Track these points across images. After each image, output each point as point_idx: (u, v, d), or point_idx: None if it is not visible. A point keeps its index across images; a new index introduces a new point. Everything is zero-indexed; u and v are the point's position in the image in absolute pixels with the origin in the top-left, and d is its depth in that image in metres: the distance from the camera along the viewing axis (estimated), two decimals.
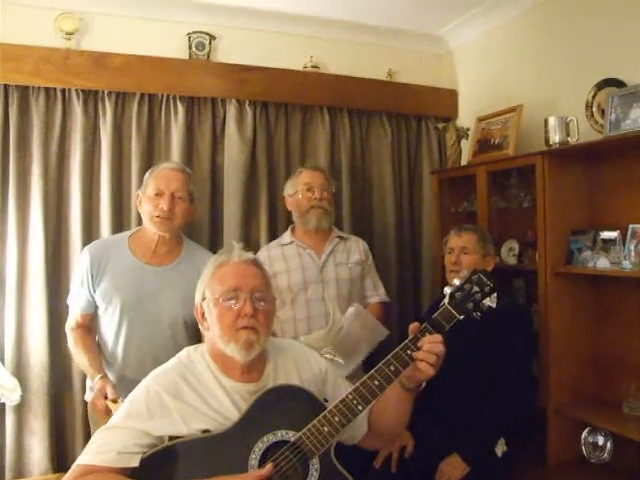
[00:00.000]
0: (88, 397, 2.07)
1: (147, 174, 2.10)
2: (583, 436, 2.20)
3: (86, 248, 2.09)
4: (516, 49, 2.81)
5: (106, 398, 1.81)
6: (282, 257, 2.33)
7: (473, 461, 1.96)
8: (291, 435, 1.31)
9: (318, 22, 2.91)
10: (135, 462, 1.24)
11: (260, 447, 1.29)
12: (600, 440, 2.17)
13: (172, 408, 1.32)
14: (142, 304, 1.99)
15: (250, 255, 1.47)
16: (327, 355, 2.09)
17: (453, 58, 3.25)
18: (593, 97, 2.26)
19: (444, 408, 2.10)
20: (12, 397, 2.10)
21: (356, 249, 2.41)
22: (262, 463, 1.27)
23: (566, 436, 2.24)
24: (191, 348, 1.49)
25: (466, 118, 3.08)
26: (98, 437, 1.30)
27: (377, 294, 2.45)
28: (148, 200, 2.01)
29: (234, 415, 1.34)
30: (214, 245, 2.64)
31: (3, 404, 2.28)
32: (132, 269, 2.01)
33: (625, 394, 2.12)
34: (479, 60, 3.07)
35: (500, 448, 2.01)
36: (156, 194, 2.00)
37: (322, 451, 1.31)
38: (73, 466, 1.26)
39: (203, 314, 1.44)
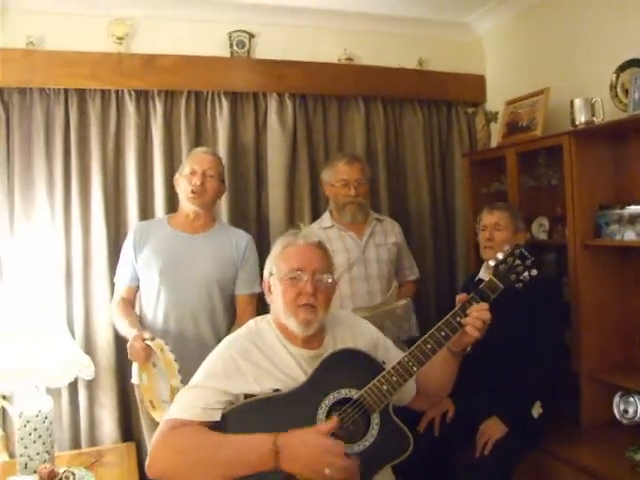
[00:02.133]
0: (135, 380, 2.27)
1: (184, 159, 2.40)
2: (615, 399, 2.31)
3: (131, 229, 2.38)
4: (542, 34, 2.90)
5: (144, 340, 1.97)
6: (326, 240, 2.49)
7: (511, 422, 2.11)
8: (354, 393, 1.47)
9: (350, 16, 3.03)
10: (217, 417, 1.42)
11: (326, 404, 1.45)
12: (631, 402, 2.26)
13: (245, 370, 1.49)
14: (179, 267, 2.21)
15: (314, 238, 1.63)
16: None
17: (481, 44, 3.35)
18: (617, 78, 2.35)
19: (483, 375, 2.23)
20: (87, 373, 2.30)
21: (392, 231, 2.60)
22: (328, 418, 1.43)
23: (599, 399, 2.36)
24: (258, 318, 1.67)
25: (495, 102, 3.19)
26: (183, 396, 1.49)
27: (413, 273, 2.68)
28: (184, 179, 2.28)
29: (300, 376, 1.51)
30: (261, 232, 2.82)
31: (76, 382, 2.51)
32: (170, 237, 2.27)
33: None
34: (506, 45, 3.18)
35: (536, 410, 2.15)
36: (190, 173, 2.26)
37: (382, 407, 1.47)
38: (162, 421, 1.45)
39: (270, 288, 1.62)
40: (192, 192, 2.24)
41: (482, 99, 3.31)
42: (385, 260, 2.52)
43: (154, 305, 2.24)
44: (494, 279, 1.57)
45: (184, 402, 1.46)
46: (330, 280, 1.58)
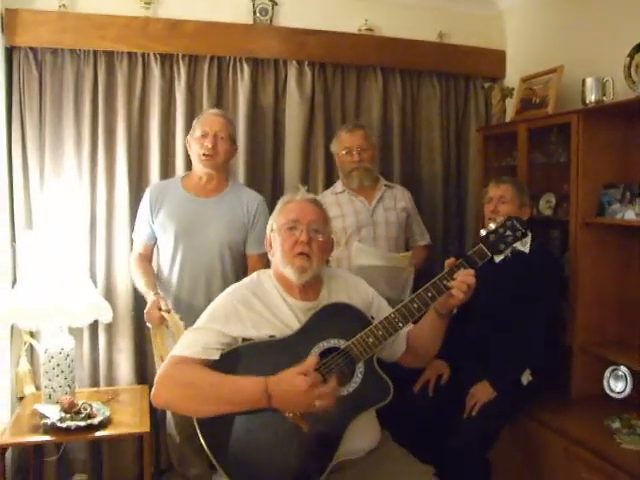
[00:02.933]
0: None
1: (194, 121, 2.46)
2: (606, 374, 2.36)
3: (147, 189, 2.49)
4: (560, 12, 2.91)
5: (160, 310, 2.16)
6: (336, 203, 2.62)
7: (500, 387, 2.21)
8: (342, 343, 1.61)
9: None
10: (216, 356, 1.57)
11: (316, 351, 1.59)
12: (621, 377, 2.30)
13: (245, 316, 1.63)
14: (193, 230, 2.35)
15: (311, 196, 1.77)
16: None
17: (502, 19, 3.35)
18: (631, 58, 2.38)
19: (478, 341, 2.35)
20: (106, 316, 2.49)
21: (402, 197, 2.70)
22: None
23: (589, 373, 2.42)
24: (260, 271, 1.82)
25: (513, 78, 3.20)
26: (187, 336, 1.64)
27: (424, 239, 2.80)
28: (195, 141, 2.37)
29: (295, 325, 1.64)
30: (275, 195, 2.89)
31: (96, 325, 2.69)
32: (184, 201, 2.38)
33: None
34: (526, 22, 3.19)
35: (525, 377, 2.24)
36: (202, 135, 2.35)
37: (366, 357, 1.60)
38: (168, 357, 1.61)
39: (271, 243, 1.75)
40: (204, 155, 2.33)
41: (501, 74, 3.33)
42: (393, 222, 2.64)
43: (170, 263, 2.40)
44: (483, 247, 1.66)
45: (187, 341, 1.61)
46: (322, 237, 1.70)
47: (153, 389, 1.56)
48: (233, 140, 2.46)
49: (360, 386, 1.59)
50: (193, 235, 2.35)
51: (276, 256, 1.72)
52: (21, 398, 2.62)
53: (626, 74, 2.40)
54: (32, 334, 2.65)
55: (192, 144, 2.41)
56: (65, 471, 2.74)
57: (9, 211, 2.63)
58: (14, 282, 2.62)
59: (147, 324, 2.37)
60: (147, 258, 2.46)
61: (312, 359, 1.50)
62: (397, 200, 2.69)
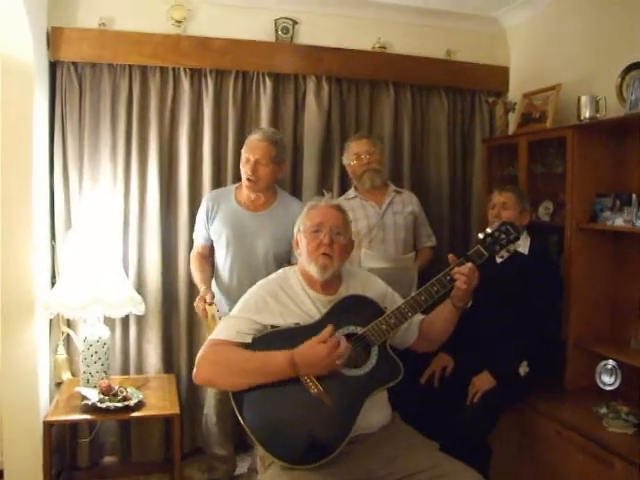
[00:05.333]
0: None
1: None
2: (598, 368, 2.52)
3: (205, 197, 2.75)
4: (559, 33, 3.13)
5: (206, 302, 2.42)
6: (350, 209, 2.81)
7: (499, 377, 2.41)
8: (359, 330, 1.83)
9: (386, 7, 3.29)
10: (248, 339, 1.80)
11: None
12: (611, 371, 2.48)
13: (272, 306, 1.86)
14: (242, 240, 2.59)
15: (335, 202, 2.01)
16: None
17: (506, 38, 3.57)
18: (622, 78, 2.59)
19: (482, 336, 2.54)
20: (140, 309, 2.73)
21: (410, 201, 2.93)
22: None
23: (582, 366, 2.61)
24: (287, 268, 2.05)
25: (515, 93, 3.42)
26: (223, 323, 1.88)
27: (430, 240, 3.01)
28: (242, 165, 2.59)
29: (316, 315, 1.87)
30: None
31: (127, 318, 2.92)
32: (236, 213, 2.61)
33: (634, 332, 2.51)
34: (528, 41, 3.41)
35: (523, 369, 2.43)
36: (245, 161, 2.55)
37: (380, 342, 1.83)
38: (207, 340, 1.84)
39: (297, 243, 1.97)
40: (247, 179, 2.55)
41: (505, 89, 3.55)
42: (401, 225, 2.86)
43: (223, 264, 2.66)
44: (480, 248, 1.89)
45: (223, 327, 1.85)
46: (343, 239, 1.92)
47: (195, 368, 1.79)
48: (278, 161, 2.58)
49: (375, 367, 1.81)
50: (242, 244, 2.60)
51: (302, 255, 1.94)
52: (59, 384, 2.85)
53: (618, 93, 2.61)
54: (69, 324, 2.89)
55: (241, 166, 2.60)
56: (97, 452, 2.97)
57: (49, 213, 2.88)
58: (52, 277, 2.86)
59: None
60: (204, 257, 2.72)
61: (328, 329, 1.72)
62: (405, 204, 2.91)
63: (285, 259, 2.64)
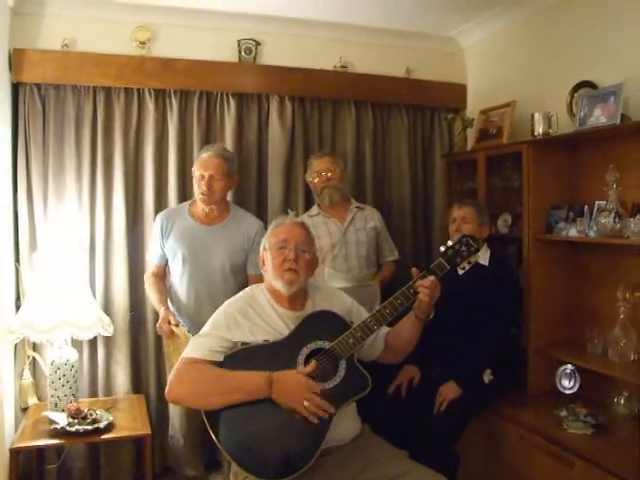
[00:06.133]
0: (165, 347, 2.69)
1: (195, 152, 2.78)
2: (558, 372, 2.63)
3: (158, 215, 2.76)
4: (513, 52, 3.28)
5: (169, 324, 2.45)
6: (312, 226, 2.86)
7: (464, 386, 2.48)
8: (326, 344, 1.87)
9: (346, 28, 3.39)
10: (220, 358, 1.83)
11: (305, 351, 1.86)
12: (570, 375, 2.56)
13: (242, 324, 1.90)
14: (198, 254, 2.62)
15: (299, 220, 2.07)
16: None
17: (463, 57, 3.72)
18: (572, 96, 2.73)
19: (445, 347, 2.62)
20: (108, 330, 2.72)
21: (372, 217, 3.00)
22: (307, 362, 1.83)
23: (543, 372, 2.71)
24: (253, 286, 2.09)
25: (473, 109, 3.54)
26: (195, 341, 1.90)
27: (392, 255, 3.08)
28: (195, 180, 2.64)
29: (285, 331, 1.91)
30: (260, 215, 3.13)
31: (95, 340, 2.90)
32: (190, 228, 2.65)
33: (589, 337, 2.61)
34: (484, 59, 3.55)
35: (487, 377, 2.52)
36: (199, 177, 2.60)
37: (347, 355, 1.87)
38: (180, 359, 1.86)
39: (264, 261, 2.02)
40: (201, 194, 2.60)
41: (463, 106, 3.68)
42: (364, 242, 2.93)
43: (179, 282, 2.67)
44: (442, 261, 1.97)
45: (195, 345, 1.88)
46: (308, 255, 1.97)
47: (167, 386, 1.81)
48: (229, 175, 2.66)
49: (343, 380, 1.85)
50: (199, 259, 2.63)
51: (268, 271, 1.98)
52: (25, 409, 2.80)
53: (568, 110, 2.75)
54: (34, 348, 2.85)
55: (194, 182, 2.66)
56: (65, 478, 2.91)
57: (13, 234, 2.85)
58: (17, 299, 2.82)
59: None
60: (159, 277, 2.73)
61: (311, 365, 1.79)
62: (367, 220, 2.99)
63: (242, 270, 2.70)
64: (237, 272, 2.68)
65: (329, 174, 2.89)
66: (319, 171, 2.91)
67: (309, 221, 2.91)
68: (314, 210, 3.01)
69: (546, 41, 3.03)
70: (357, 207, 3.01)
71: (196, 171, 2.64)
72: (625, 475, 1.95)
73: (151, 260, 2.75)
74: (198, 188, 2.61)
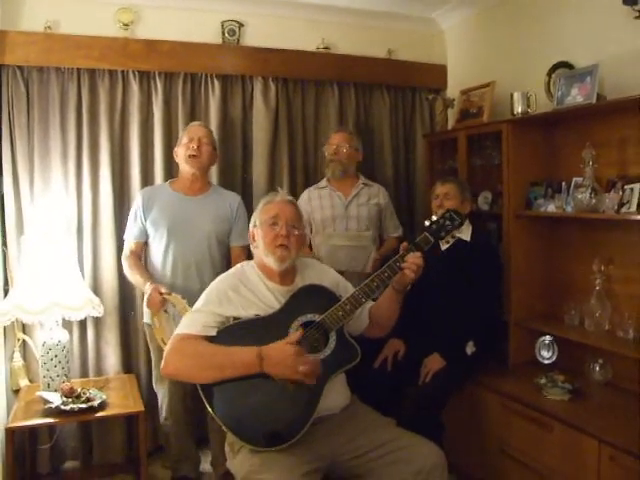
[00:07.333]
0: (146, 319, 2.70)
1: (181, 133, 2.81)
2: (537, 343, 2.75)
3: (138, 192, 2.82)
4: (494, 32, 3.33)
5: (161, 294, 2.44)
6: (318, 197, 3.05)
7: (448, 357, 2.57)
8: (317, 317, 1.94)
9: (328, 9, 3.41)
10: (213, 332, 1.89)
11: (295, 325, 1.92)
12: (549, 345, 2.71)
13: (234, 299, 1.95)
14: (183, 224, 2.65)
15: (289, 197, 2.11)
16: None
17: (443, 38, 3.77)
18: (549, 76, 2.80)
19: (431, 322, 2.69)
20: (99, 310, 2.75)
21: (377, 194, 3.11)
22: None
23: (523, 343, 2.81)
24: (243, 262, 2.14)
25: (454, 90, 3.58)
26: (188, 317, 1.95)
27: (396, 231, 3.21)
28: (182, 147, 2.70)
29: (275, 305, 1.97)
30: (245, 197, 3.17)
31: (85, 321, 2.93)
32: (174, 200, 2.69)
33: (567, 309, 2.72)
34: (464, 40, 3.60)
35: (469, 348, 2.60)
36: (188, 141, 2.67)
37: (337, 327, 1.94)
38: (173, 335, 1.91)
39: (254, 237, 2.06)
40: (190, 155, 2.65)
41: (443, 86, 3.74)
42: (365, 217, 3.04)
43: (163, 256, 2.66)
44: (427, 234, 2.03)
45: (188, 321, 1.93)
46: (297, 232, 2.03)
47: (163, 361, 1.86)
48: (214, 147, 2.78)
49: (334, 351, 1.93)
50: (184, 228, 2.65)
51: (259, 248, 2.03)
52: (16, 391, 2.83)
53: (546, 89, 2.82)
54: (24, 330, 2.87)
55: (179, 151, 2.72)
56: (58, 458, 2.96)
57: (0, 219, 2.85)
58: (5, 283, 2.83)
59: (145, 315, 2.67)
60: (138, 256, 2.73)
61: (297, 334, 1.84)
62: (371, 197, 3.09)
63: (226, 242, 2.76)
64: (221, 241, 2.74)
65: (340, 149, 3.00)
66: (331, 144, 3.03)
67: (316, 193, 3.05)
68: (323, 182, 3.12)
69: (524, 23, 3.09)
70: (364, 184, 3.11)
71: (184, 138, 2.71)
72: (600, 436, 2.07)
73: (130, 238, 2.72)
74: (187, 151, 2.66)
